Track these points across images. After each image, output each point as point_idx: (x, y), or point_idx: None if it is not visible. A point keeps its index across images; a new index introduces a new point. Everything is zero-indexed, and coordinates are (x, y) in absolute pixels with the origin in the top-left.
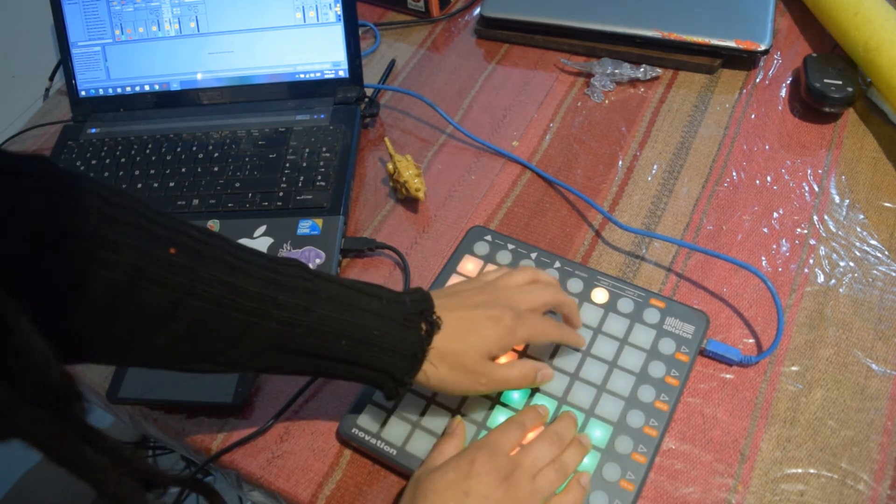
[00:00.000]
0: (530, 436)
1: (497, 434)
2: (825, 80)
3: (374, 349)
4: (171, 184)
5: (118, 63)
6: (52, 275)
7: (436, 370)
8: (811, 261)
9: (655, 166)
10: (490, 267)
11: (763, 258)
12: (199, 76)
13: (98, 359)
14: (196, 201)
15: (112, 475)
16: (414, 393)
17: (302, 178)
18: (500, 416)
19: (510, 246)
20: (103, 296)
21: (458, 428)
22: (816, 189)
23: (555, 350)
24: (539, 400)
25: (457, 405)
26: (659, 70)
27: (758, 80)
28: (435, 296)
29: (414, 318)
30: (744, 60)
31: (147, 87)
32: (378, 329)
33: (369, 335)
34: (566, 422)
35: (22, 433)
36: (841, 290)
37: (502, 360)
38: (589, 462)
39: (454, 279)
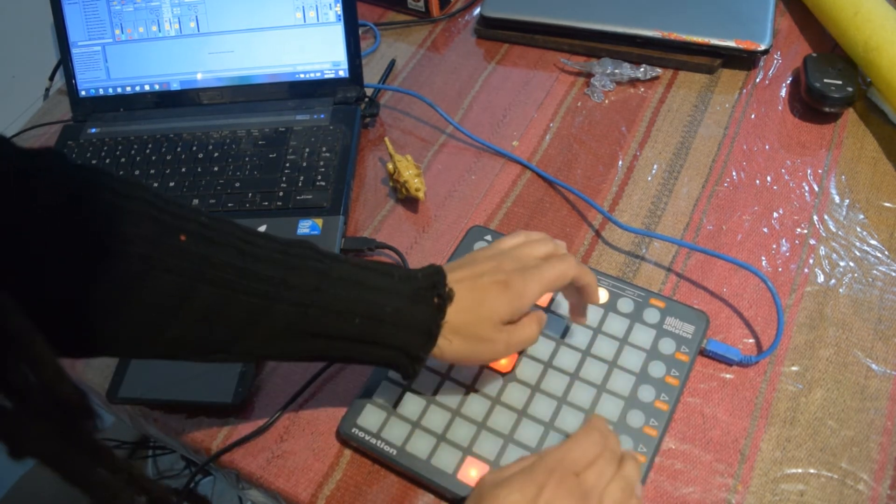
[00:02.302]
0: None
1: (573, 451)
2: (825, 80)
3: (387, 326)
4: (171, 184)
5: (118, 63)
6: (66, 268)
7: (450, 344)
8: (811, 261)
9: (655, 166)
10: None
11: (763, 258)
12: (199, 76)
13: (113, 351)
14: (196, 201)
15: (121, 497)
16: (414, 392)
17: (302, 178)
18: (500, 417)
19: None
20: (118, 287)
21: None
22: (816, 189)
23: (555, 350)
24: (539, 401)
25: (457, 405)
26: (659, 70)
27: (758, 80)
28: (448, 268)
29: (425, 292)
30: (744, 60)
31: (147, 87)
32: (390, 305)
33: (382, 312)
34: (609, 434)
35: (33, 450)
36: (841, 290)
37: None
38: None
39: None
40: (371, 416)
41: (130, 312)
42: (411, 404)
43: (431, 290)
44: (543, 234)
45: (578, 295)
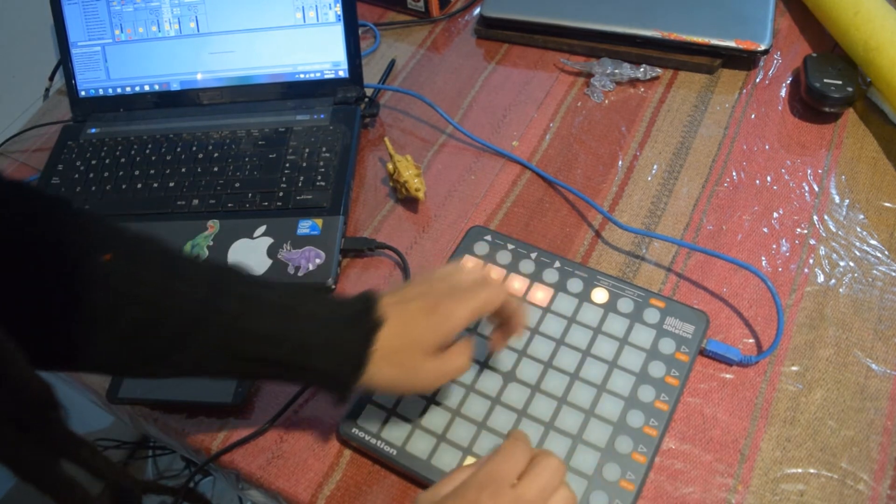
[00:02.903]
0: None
1: (500, 464)
2: (825, 80)
3: (317, 353)
4: (171, 184)
5: (118, 63)
6: (13, 285)
7: (379, 370)
8: (811, 261)
9: (655, 166)
10: (490, 266)
11: (763, 258)
12: (199, 76)
13: (49, 366)
14: (196, 201)
15: (81, 496)
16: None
17: (302, 178)
18: (500, 417)
19: (510, 246)
20: (52, 303)
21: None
22: (816, 189)
23: (555, 350)
24: (539, 401)
25: (457, 405)
26: (659, 70)
27: (758, 80)
28: (381, 295)
29: (355, 318)
30: (744, 60)
31: (147, 87)
32: (319, 333)
33: (311, 339)
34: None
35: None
36: (841, 290)
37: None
38: (589, 462)
39: None
40: (371, 416)
41: (66, 327)
42: (411, 404)
43: (361, 316)
44: (479, 265)
45: (504, 324)
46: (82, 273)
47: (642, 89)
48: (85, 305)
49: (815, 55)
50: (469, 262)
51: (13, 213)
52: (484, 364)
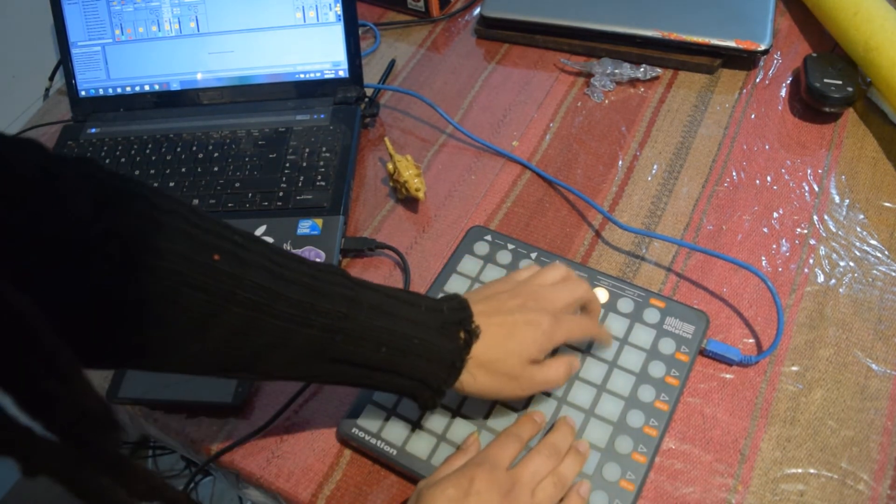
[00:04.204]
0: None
1: (495, 448)
2: (825, 80)
3: (412, 358)
4: (171, 184)
5: (118, 63)
6: (97, 280)
7: (473, 379)
8: (811, 261)
9: (655, 166)
10: (490, 268)
11: (763, 258)
12: (199, 76)
13: (137, 363)
14: (196, 201)
15: None
16: None
17: (302, 178)
18: (500, 417)
19: (510, 246)
20: (147, 302)
21: (473, 444)
22: (816, 189)
23: (554, 350)
24: (539, 400)
25: (457, 405)
26: (659, 70)
27: (758, 80)
28: (471, 301)
29: (452, 326)
30: (744, 60)
31: (147, 87)
32: (417, 338)
33: (409, 344)
34: (563, 431)
35: (45, 469)
36: (841, 290)
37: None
38: (589, 462)
39: (455, 280)
40: (371, 416)
41: (157, 327)
42: (411, 404)
43: (458, 325)
44: (556, 262)
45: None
46: (180, 272)
47: (642, 89)
48: (181, 306)
49: (815, 55)
50: (527, 269)
51: (85, 197)
52: None
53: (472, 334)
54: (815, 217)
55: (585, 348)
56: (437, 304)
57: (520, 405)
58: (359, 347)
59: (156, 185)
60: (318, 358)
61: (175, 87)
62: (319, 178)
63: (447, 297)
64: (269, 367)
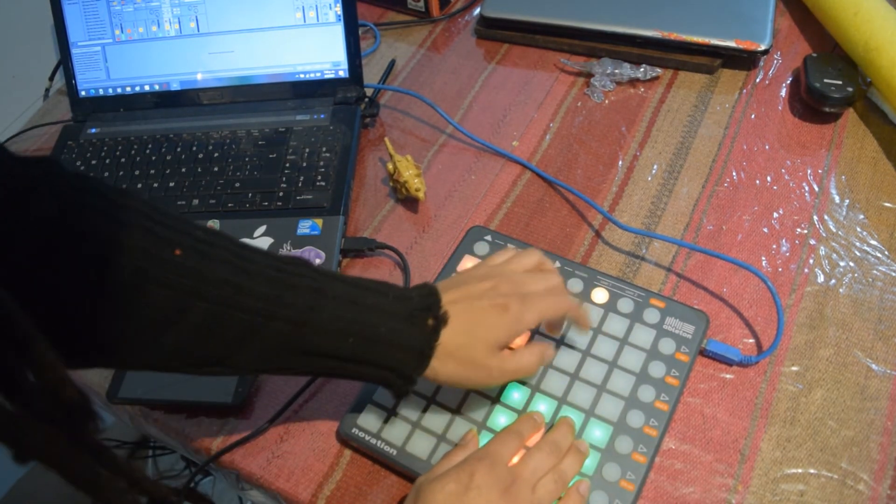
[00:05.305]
0: (535, 437)
1: (496, 444)
2: (825, 80)
3: (381, 347)
4: (172, 184)
5: (118, 63)
6: (60, 279)
7: (444, 366)
8: (811, 261)
9: (655, 166)
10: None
11: (763, 258)
12: (199, 76)
13: (106, 363)
14: (196, 201)
15: (126, 498)
16: (414, 393)
17: (302, 178)
18: (500, 417)
19: (510, 246)
20: (111, 299)
21: (472, 441)
22: (816, 189)
23: (555, 350)
24: (539, 400)
25: (457, 405)
26: (659, 70)
27: (758, 80)
28: (441, 288)
29: (420, 313)
30: (744, 60)
31: (147, 87)
32: (385, 326)
33: (376, 333)
34: (563, 429)
35: (37, 453)
36: (841, 290)
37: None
38: (589, 462)
39: None
40: (371, 416)
41: (124, 324)
42: (411, 404)
43: (426, 312)
44: (531, 248)
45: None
46: (144, 268)
47: (642, 89)
48: (147, 303)
49: (815, 55)
50: (507, 252)
51: (47, 196)
52: None
53: (441, 321)
54: (815, 217)
55: (560, 338)
56: (406, 293)
57: (493, 393)
58: (327, 338)
59: (155, 185)
60: (288, 351)
61: (175, 87)
62: (319, 178)
63: (418, 286)
64: (241, 361)
